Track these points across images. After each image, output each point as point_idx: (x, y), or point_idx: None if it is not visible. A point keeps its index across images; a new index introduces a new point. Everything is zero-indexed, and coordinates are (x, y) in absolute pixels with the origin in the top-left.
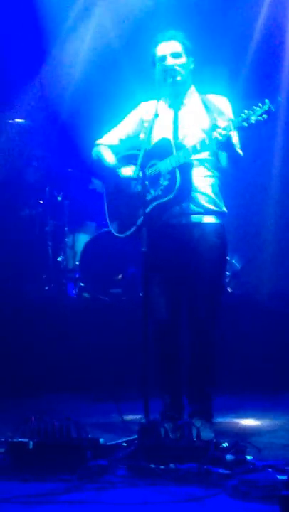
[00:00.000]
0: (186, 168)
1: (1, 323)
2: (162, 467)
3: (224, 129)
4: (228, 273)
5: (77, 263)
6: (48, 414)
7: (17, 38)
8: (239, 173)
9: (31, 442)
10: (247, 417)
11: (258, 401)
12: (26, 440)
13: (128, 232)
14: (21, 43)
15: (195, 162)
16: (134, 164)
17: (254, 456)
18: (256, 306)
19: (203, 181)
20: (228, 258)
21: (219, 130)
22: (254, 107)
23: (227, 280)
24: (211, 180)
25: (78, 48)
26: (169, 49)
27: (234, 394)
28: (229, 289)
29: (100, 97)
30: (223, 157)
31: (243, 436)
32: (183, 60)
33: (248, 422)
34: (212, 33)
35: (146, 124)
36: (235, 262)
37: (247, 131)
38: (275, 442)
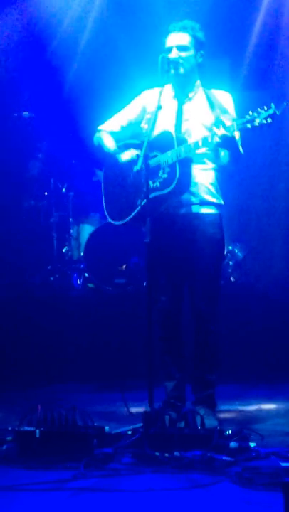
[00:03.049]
0: (186, 163)
1: (6, 314)
2: (167, 455)
3: (227, 129)
4: (230, 262)
5: (81, 254)
6: (54, 403)
7: (21, 32)
8: (238, 169)
9: (38, 431)
10: (250, 404)
11: (261, 389)
12: (33, 429)
13: (124, 221)
14: (23, 35)
15: (196, 156)
16: (134, 149)
17: (257, 444)
18: (259, 295)
19: (202, 174)
20: (230, 248)
21: (222, 131)
22: (259, 109)
23: (230, 270)
24: (209, 173)
25: (79, 37)
26: (176, 41)
27: (237, 382)
28: (232, 279)
29: (104, 88)
30: (225, 154)
31: (247, 423)
32: (188, 53)
33: (251, 409)
34: (212, 25)
35: (148, 116)
36: (237, 251)
37: (251, 132)
38: (278, 429)
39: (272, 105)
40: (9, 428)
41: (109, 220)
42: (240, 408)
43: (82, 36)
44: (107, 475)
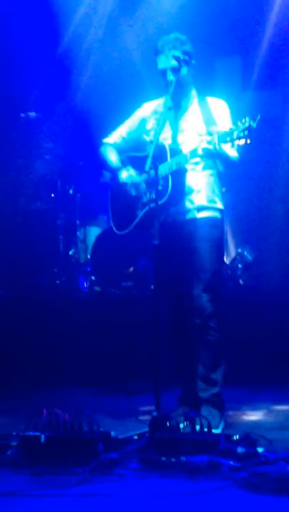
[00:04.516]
0: (178, 175)
1: (12, 317)
2: (173, 460)
3: (209, 142)
4: (239, 265)
5: (88, 256)
6: (60, 407)
7: (30, 32)
8: (236, 173)
9: (43, 436)
10: (258, 409)
11: (268, 392)
12: (38, 434)
13: (126, 231)
14: (34, 37)
15: (191, 163)
16: (133, 167)
17: (265, 449)
18: (268, 298)
19: (199, 180)
20: (239, 250)
21: (204, 144)
22: (238, 122)
23: (239, 272)
24: (207, 179)
25: (90, 40)
26: (169, 64)
27: (244, 385)
28: (241, 281)
29: (112, 90)
30: (218, 162)
31: (254, 428)
32: (183, 71)
33: (259, 414)
34: (224, 23)
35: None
36: (246, 254)
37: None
38: (287, 434)
39: (247, 118)
40: (14, 433)
41: (115, 230)
42: (248, 412)
43: (92, 38)
44: (113, 480)
